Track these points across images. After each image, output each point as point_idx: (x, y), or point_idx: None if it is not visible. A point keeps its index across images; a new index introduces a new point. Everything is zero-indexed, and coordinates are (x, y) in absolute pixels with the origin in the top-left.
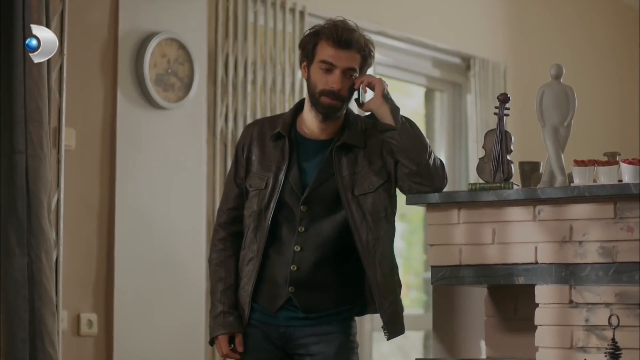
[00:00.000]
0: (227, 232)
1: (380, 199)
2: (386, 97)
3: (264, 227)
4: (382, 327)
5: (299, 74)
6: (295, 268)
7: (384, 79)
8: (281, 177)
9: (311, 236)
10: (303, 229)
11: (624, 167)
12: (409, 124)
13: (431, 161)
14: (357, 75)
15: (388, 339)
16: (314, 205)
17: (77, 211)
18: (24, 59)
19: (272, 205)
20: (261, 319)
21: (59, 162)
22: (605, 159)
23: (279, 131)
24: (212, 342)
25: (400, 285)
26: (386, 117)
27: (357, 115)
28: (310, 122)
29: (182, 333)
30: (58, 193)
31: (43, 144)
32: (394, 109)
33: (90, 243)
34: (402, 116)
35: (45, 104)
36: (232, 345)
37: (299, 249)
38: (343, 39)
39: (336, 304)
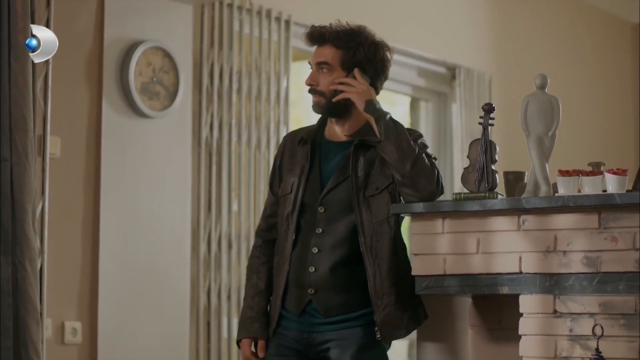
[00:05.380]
0: (263, 239)
1: (384, 201)
2: (368, 110)
3: (290, 230)
4: (376, 328)
5: (284, 82)
6: (313, 270)
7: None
8: (303, 180)
9: (327, 237)
10: (321, 231)
11: (609, 177)
12: (395, 130)
13: (415, 170)
14: (332, 69)
15: (381, 341)
16: (331, 207)
17: (62, 219)
18: (9, 67)
19: (297, 208)
20: (287, 325)
21: (43, 170)
22: (589, 169)
23: (302, 136)
24: (238, 344)
25: (406, 290)
26: (374, 128)
27: None
28: (332, 126)
29: (166, 341)
30: (43, 201)
31: (28, 152)
32: (378, 119)
33: (75, 251)
34: (388, 120)
35: (30, 112)
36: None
37: (316, 250)
38: (308, 35)
39: (357, 306)
